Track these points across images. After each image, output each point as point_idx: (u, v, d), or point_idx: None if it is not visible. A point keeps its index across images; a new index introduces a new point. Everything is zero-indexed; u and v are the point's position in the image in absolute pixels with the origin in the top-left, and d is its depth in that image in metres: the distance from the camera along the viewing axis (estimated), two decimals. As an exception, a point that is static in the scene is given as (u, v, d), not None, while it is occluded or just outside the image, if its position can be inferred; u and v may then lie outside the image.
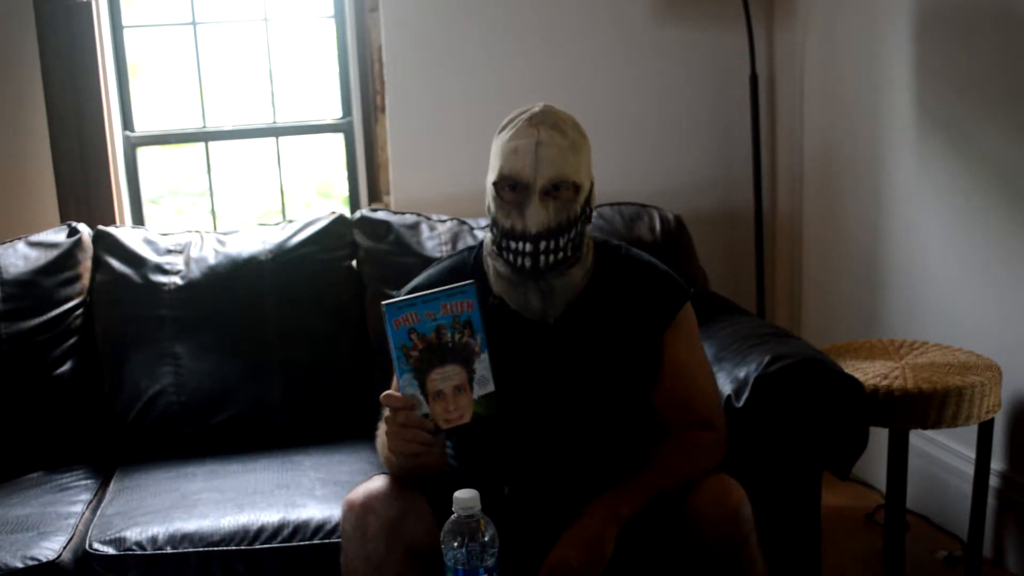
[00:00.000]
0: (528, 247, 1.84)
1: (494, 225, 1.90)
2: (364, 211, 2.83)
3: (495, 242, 1.92)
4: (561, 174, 1.84)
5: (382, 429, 1.92)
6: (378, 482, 1.86)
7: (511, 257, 1.88)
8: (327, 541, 2.09)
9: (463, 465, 2.00)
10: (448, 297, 1.67)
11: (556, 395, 1.92)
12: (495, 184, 1.88)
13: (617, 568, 1.80)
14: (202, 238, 2.75)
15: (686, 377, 1.95)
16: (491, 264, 1.95)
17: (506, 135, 1.88)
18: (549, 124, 1.85)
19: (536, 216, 1.83)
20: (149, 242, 2.72)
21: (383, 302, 1.67)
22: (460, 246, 2.69)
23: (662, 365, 1.94)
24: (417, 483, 1.87)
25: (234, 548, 2.09)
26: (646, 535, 1.83)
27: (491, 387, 1.71)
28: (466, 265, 2.01)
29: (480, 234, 2.74)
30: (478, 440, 1.94)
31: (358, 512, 1.82)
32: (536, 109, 1.88)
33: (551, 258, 1.86)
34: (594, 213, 2.64)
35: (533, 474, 1.91)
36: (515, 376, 1.86)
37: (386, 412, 1.75)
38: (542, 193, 1.84)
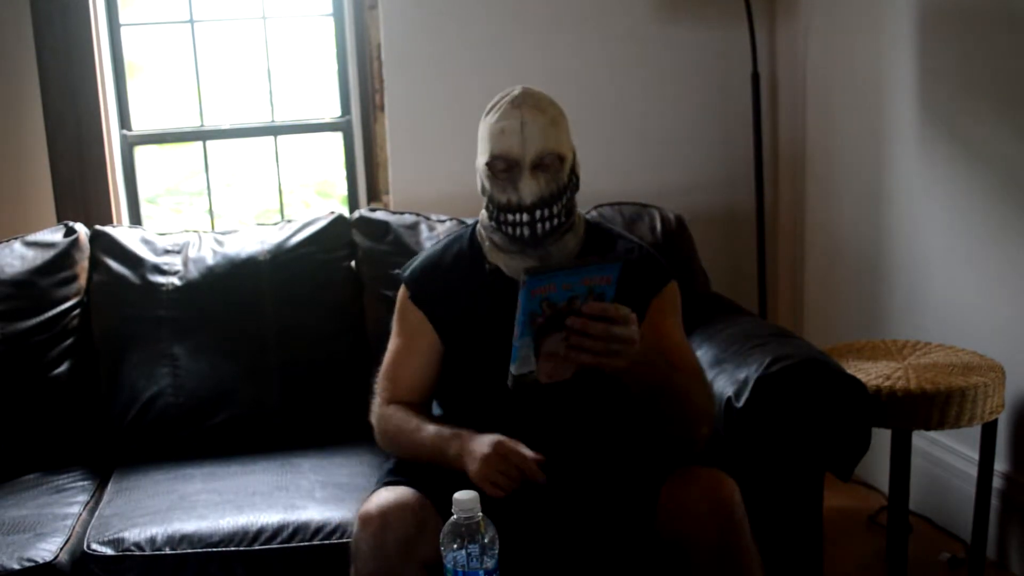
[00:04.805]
0: (525, 217, 1.98)
1: (490, 202, 2.03)
2: (363, 211, 2.82)
3: (492, 217, 2.04)
4: (546, 148, 1.98)
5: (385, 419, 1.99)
6: (390, 495, 1.85)
7: (509, 229, 2.01)
8: (326, 543, 2.07)
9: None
10: (594, 271, 1.69)
11: None
12: (488, 164, 2.00)
13: (606, 566, 1.79)
14: (200, 238, 2.73)
15: (670, 345, 2.00)
16: (487, 237, 2.08)
17: (492, 118, 2.01)
18: (530, 104, 1.98)
19: (529, 188, 1.97)
20: (146, 242, 2.70)
21: (526, 270, 1.65)
22: (459, 246, 2.70)
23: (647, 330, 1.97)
24: (421, 483, 1.86)
25: (233, 549, 2.08)
26: (633, 532, 1.84)
27: None
28: (463, 238, 2.14)
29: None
30: (476, 412, 1.98)
31: (375, 530, 1.81)
32: (516, 92, 2.01)
33: (547, 225, 1.99)
34: (596, 212, 2.68)
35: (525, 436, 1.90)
36: (510, 339, 1.87)
37: (485, 446, 1.81)
38: (531, 167, 1.97)
